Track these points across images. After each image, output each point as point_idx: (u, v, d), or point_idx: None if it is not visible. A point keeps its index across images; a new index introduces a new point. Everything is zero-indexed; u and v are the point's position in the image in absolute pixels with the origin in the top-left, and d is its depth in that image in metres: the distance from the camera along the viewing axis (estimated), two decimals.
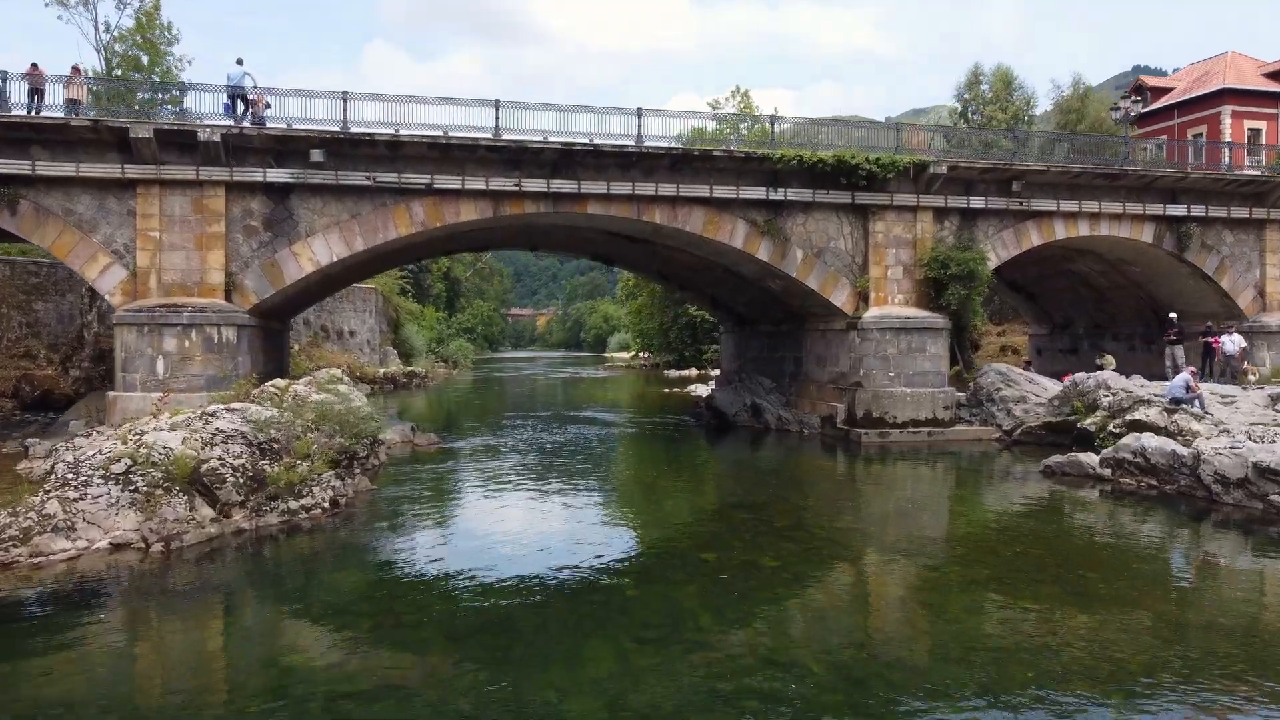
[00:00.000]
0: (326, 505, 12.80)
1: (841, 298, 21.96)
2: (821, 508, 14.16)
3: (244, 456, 12.78)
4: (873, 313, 21.71)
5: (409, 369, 44.54)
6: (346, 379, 18.67)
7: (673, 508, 14.54)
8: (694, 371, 57.84)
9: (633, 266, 27.24)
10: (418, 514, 13.47)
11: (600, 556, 10.74)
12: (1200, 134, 39.20)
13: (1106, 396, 18.44)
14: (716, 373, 55.64)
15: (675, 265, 25.70)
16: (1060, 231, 23.16)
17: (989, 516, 13.64)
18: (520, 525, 12.51)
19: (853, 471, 18.00)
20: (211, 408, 14.60)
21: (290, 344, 27.04)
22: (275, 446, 13.60)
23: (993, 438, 21.31)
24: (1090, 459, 15.70)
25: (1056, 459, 16.26)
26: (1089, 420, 18.14)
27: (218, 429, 13.54)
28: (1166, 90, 43.72)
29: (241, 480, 12.28)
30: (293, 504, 12.35)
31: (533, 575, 9.75)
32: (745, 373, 26.67)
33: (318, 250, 19.51)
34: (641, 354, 72.62)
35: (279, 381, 17.51)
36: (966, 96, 47.85)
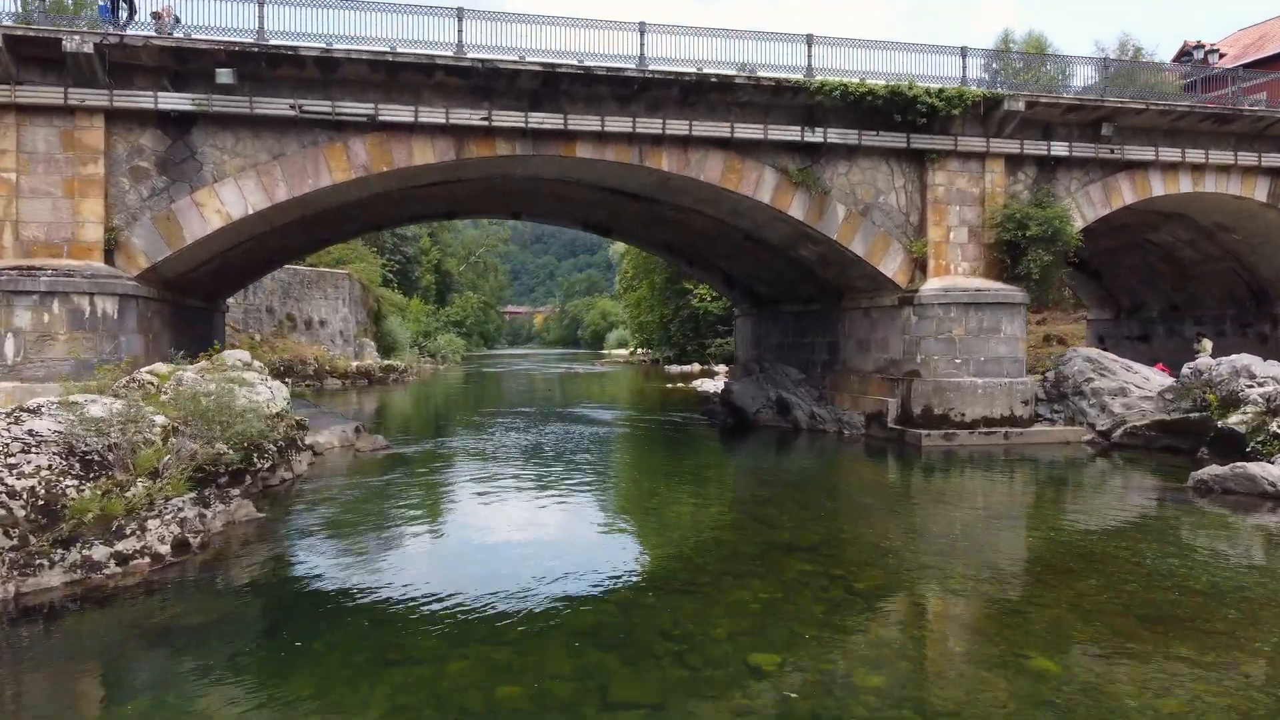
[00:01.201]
0: (166, 550, 8.16)
1: (893, 266, 17.37)
2: (883, 538, 9.57)
3: (51, 473, 8.22)
4: (933, 285, 17.13)
5: (387, 363, 39.91)
6: (259, 366, 14.08)
7: (690, 538, 9.99)
8: (696, 366, 53.31)
9: (633, 236, 22.57)
10: (307, 567, 8.78)
11: (595, 633, 6.16)
12: (1260, 100, 34.70)
13: (1253, 388, 13.87)
14: (722, 368, 51.11)
15: (684, 233, 21.10)
16: (1157, 187, 18.58)
17: (1137, 559, 9.05)
18: (466, 579, 7.92)
19: (914, 485, 13.42)
20: (34, 402, 10.07)
21: (224, 329, 22.38)
22: (109, 458, 9.04)
23: (1083, 439, 16.75)
24: (1271, 472, 11.12)
25: (1214, 471, 11.67)
26: (1235, 419, 13.55)
27: (30, 431, 9.03)
28: (1219, 55, 39.10)
29: (27, 512, 7.69)
30: (100, 550, 7.72)
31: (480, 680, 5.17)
32: (766, 362, 22.07)
33: (228, 199, 14.91)
34: (640, 349, 68.06)
35: (160, 367, 12.97)
36: (995, 67, 43.23)
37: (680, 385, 36.76)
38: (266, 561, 8.45)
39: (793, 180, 16.80)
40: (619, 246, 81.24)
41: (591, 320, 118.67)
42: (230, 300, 34.38)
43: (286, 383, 16.64)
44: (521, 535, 9.75)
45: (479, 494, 12.23)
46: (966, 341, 16.83)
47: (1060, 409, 17.52)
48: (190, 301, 18.71)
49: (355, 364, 37.55)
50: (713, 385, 34.86)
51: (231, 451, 10.36)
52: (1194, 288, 23.68)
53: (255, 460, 11.46)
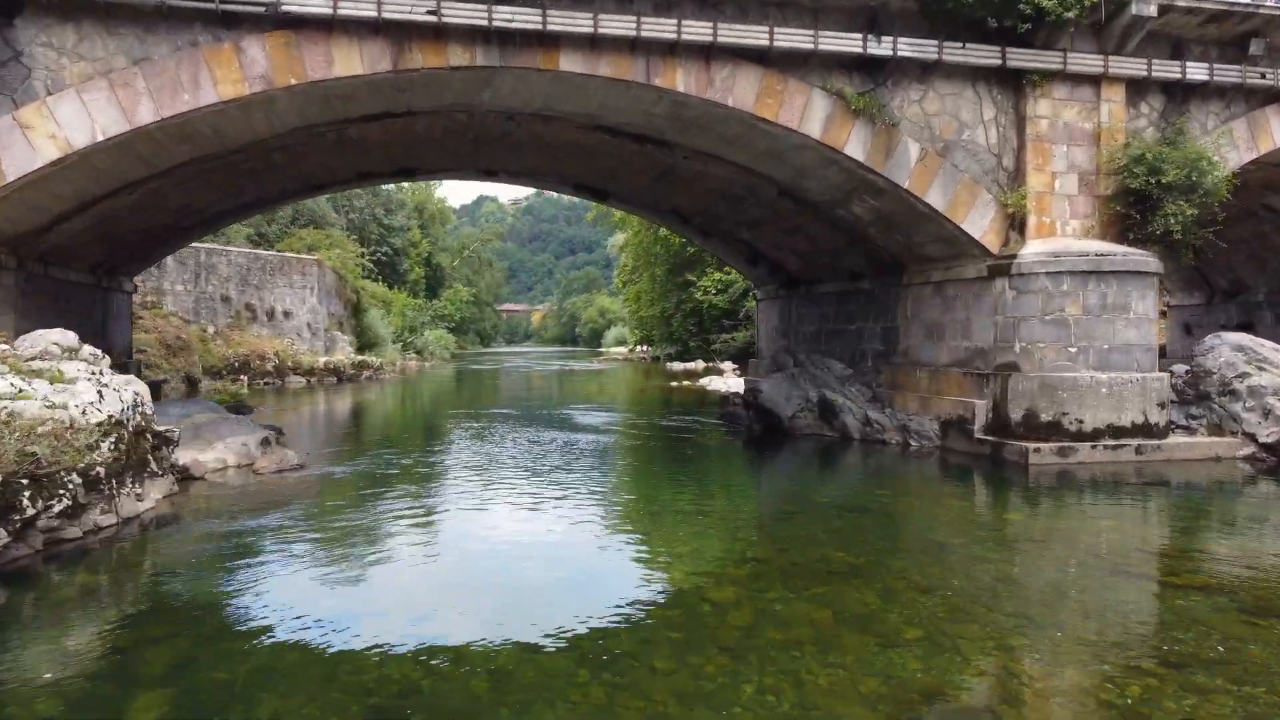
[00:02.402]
0: None
1: (980, 224, 12.90)
2: (1017, 626, 5.08)
3: None
4: (1035, 248, 12.65)
5: (360, 359, 35.39)
6: (92, 354, 9.56)
7: (725, 611, 5.47)
8: (700, 364, 48.88)
9: (636, 201, 18.02)
10: None
11: None
12: None
13: None
14: (727, 365, 46.58)
15: (699, 192, 16.58)
16: None
17: None
18: None
19: (1035, 525, 8.91)
20: None
21: (128, 313, 17.84)
22: None
23: (1239, 454, 12.29)
24: None
25: None
26: None
27: None
28: None
29: None
30: None
31: None
32: (796, 354, 17.57)
33: (69, 120, 10.40)
34: (640, 346, 63.61)
35: None
36: None
37: (685, 384, 32.26)
38: None
39: (851, 107, 12.31)
40: (618, 240, 76.72)
41: (589, 317, 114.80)
42: (180, 287, 29.95)
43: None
44: (466, 656, 5.24)
45: (408, 549, 7.72)
46: (1084, 324, 12.34)
47: (1200, 413, 13.04)
48: (66, 274, 14.20)
49: (324, 360, 33.03)
50: (722, 384, 30.41)
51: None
52: None
53: (31, 501, 6.96)
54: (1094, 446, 11.99)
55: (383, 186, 63.99)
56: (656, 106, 12.55)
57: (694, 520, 8.96)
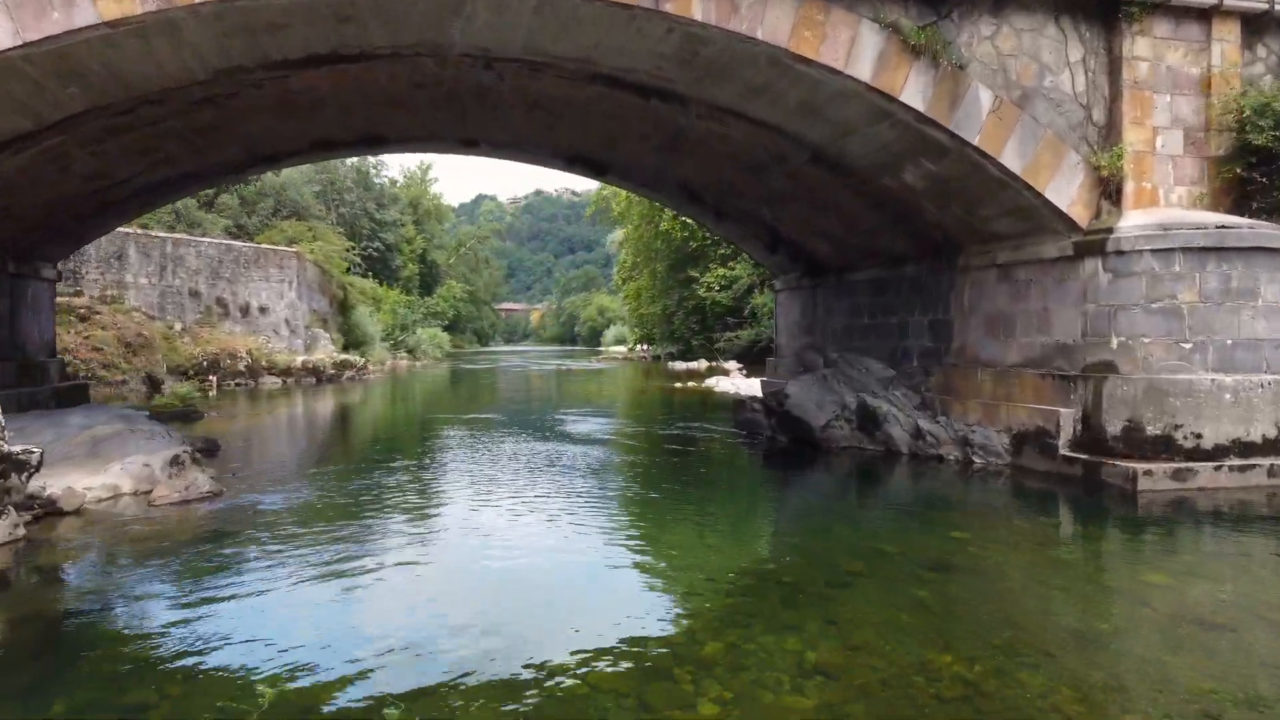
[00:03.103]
0: None
1: (1067, 191, 10.35)
2: None
3: None
4: (1136, 220, 10.10)
5: (343, 358, 32.80)
6: None
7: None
8: (703, 363, 46.35)
9: (639, 175, 15.46)
10: None
11: None
12: None
13: None
14: (732, 365, 44.02)
15: (715, 162, 14.01)
16: None
17: None
18: None
19: (1181, 588, 6.39)
20: None
21: (50, 305, 15.24)
22: None
23: None
24: None
25: None
26: None
27: None
28: None
29: None
30: None
31: None
32: (826, 352, 15.02)
33: None
34: (640, 345, 61.07)
35: None
36: None
37: (690, 385, 29.68)
38: None
39: (908, 44, 9.76)
40: (617, 236, 74.11)
41: (588, 316, 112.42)
42: (144, 280, 27.45)
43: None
44: None
45: (314, 646, 5.16)
46: (1202, 314, 9.79)
47: None
48: None
49: (301, 359, 30.43)
50: (729, 385, 27.87)
51: None
52: None
53: None
54: (1217, 468, 9.45)
55: (374, 180, 61.45)
56: (665, 44, 9.98)
57: (717, 591, 6.39)
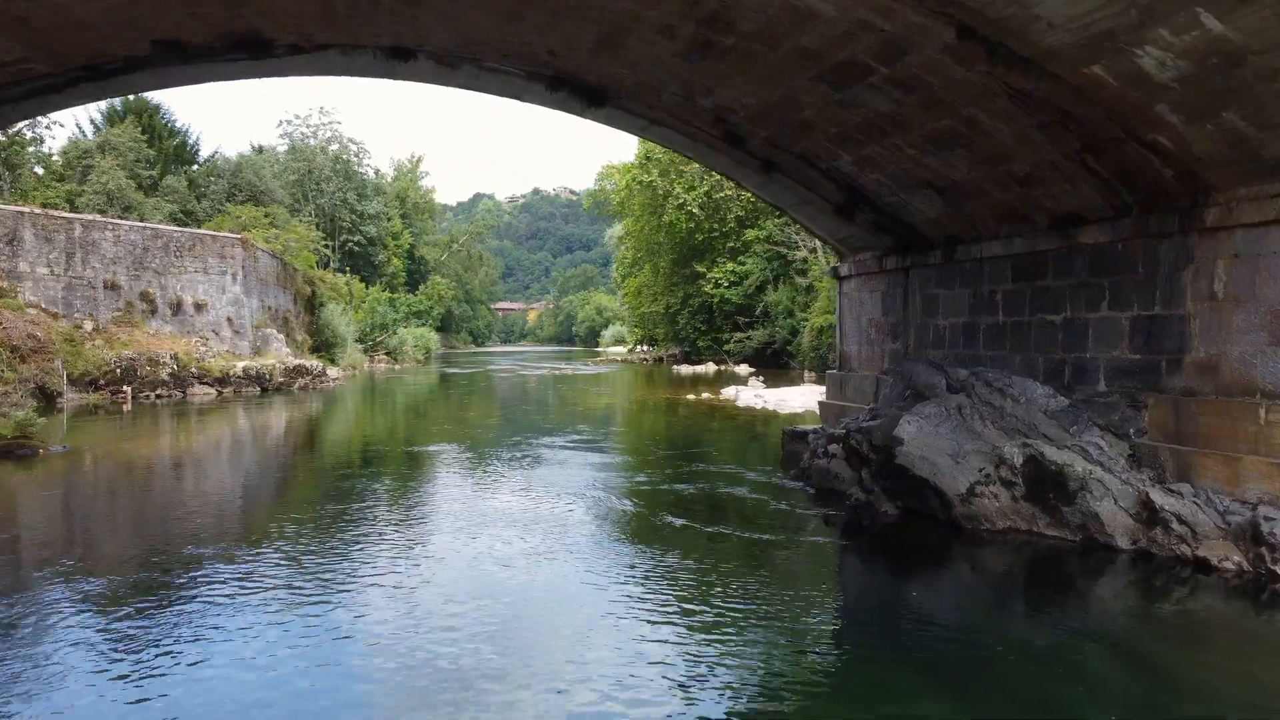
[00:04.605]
0: None
1: None
2: None
3: None
4: None
5: (297, 363, 27.44)
6: None
7: None
8: (711, 367, 41.22)
9: (654, 102, 10.09)
10: None
11: None
12: None
13: None
14: (744, 369, 38.79)
15: (768, 74, 8.67)
16: None
17: None
18: None
19: None
20: None
21: None
22: None
23: None
24: None
25: None
26: None
27: None
28: None
29: None
30: None
31: None
32: (947, 367, 9.69)
33: None
34: (641, 345, 55.86)
35: None
36: None
37: (704, 397, 24.36)
38: None
39: None
40: (615, 231, 68.66)
41: (585, 315, 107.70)
42: (44, 270, 22.18)
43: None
44: None
45: None
46: None
47: None
48: None
49: (243, 365, 25.08)
50: (752, 397, 22.60)
51: None
52: None
53: None
54: None
55: (355, 168, 56.07)
56: None
57: None
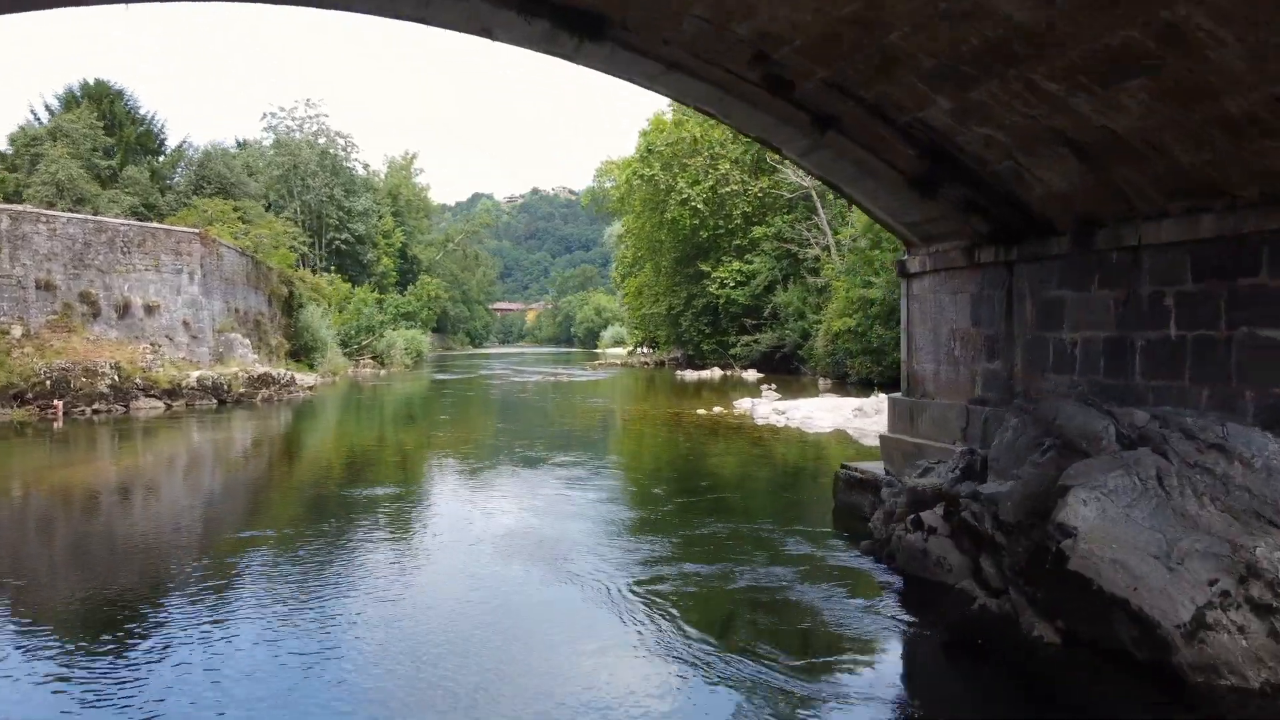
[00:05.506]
0: None
1: None
2: None
3: None
4: None
5: (261, 371, 24.44)
6: None
7: None
8: (717, 372, 38.32)
9: (672, 31, 6.85)
10: None
11: None
12: None
13: None
14: (751, 374, 35.87)
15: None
16: None
17: None
18: None
19: None
20: None
21: None
22: None
23: None
24: None
25: None
26: None
27: None
28: None
29: None
30: None
31: None
32: (1099, 406, 6.75)
33: None
34: (641, 347, 52.95)
35: None
36: None
37: (717, 411, 21.35)
38: None
39: None
40: (615, 229, 65.63)
41: (584, 316, 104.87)
42: None
43: None
44: None
45: None
46: None
47: None
48: None
49: (197, 374, 22.09)
50: (770, 412, 19.64)
51: None
52: None
53: None
54: None
55: (344, 163, 53.09)
56: None
57: None
